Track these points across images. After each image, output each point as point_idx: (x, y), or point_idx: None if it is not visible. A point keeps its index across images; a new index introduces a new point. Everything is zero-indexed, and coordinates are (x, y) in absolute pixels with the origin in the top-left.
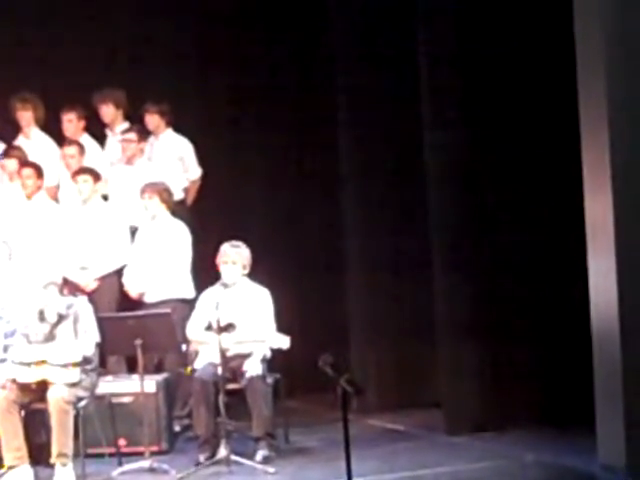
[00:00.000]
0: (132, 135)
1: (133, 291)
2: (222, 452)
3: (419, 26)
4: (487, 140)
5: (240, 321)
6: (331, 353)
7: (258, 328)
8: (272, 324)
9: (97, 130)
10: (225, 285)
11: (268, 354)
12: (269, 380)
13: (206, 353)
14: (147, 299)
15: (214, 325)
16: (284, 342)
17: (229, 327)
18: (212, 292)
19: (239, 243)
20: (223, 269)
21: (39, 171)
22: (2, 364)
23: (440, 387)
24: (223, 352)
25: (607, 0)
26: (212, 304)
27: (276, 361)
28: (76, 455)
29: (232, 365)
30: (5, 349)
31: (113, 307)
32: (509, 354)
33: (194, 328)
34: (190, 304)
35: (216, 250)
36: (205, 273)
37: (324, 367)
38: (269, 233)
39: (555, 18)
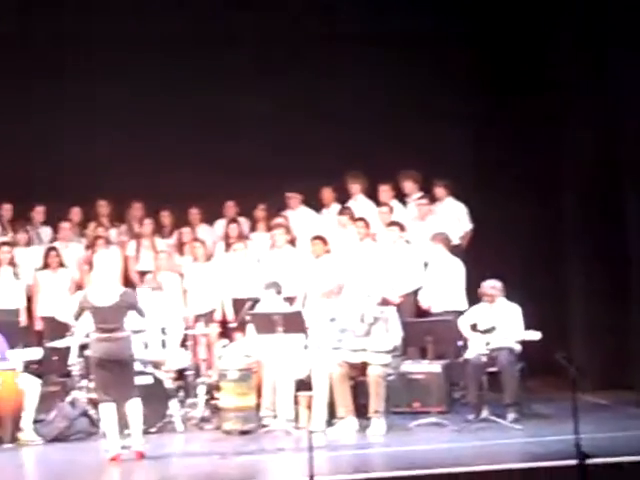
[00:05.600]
0: (424, 201)
1: (424, 304)
2: (484, 413)
3: None
4: None
5: (499, 326)
6: (564, 349)
7: (511, 330)
8: (521, 327)
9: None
10: (490, 304)
11: (518, 348)
12: (517, 366)
13: (475, 345)
14: (434, 310)
15: (479, 327)
16: (536, 335)
17: (491, 329)
18: (478, 308)
19: (495, 282)
20: (485, 300)
21: (367, 223)
22: (339, 350)
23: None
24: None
25: None
26: (479, 315)
27: (522, 354)
28: (386, 412)
29: (492, 355)
30: (340, 341)
31: (412, 314)
32: None
33: (463, 323)
34: (462, 314)
35: (482, 278)
36: (474, 294)
37: (560, 359)
38: (519, 269)
39: None
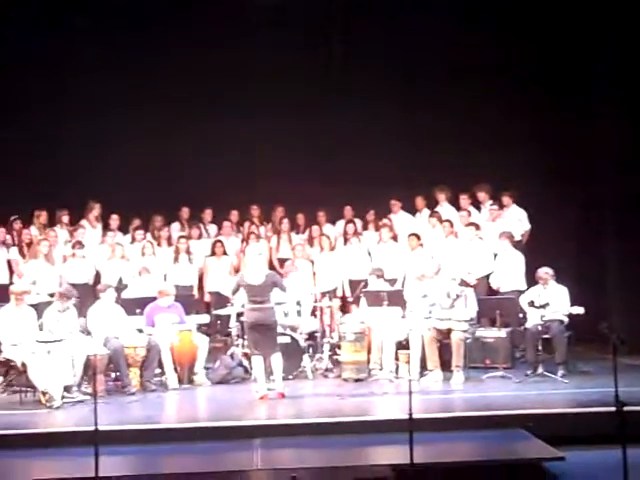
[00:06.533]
0: (495, 207)
1: (494, 285)
2: (540, 370)
3: None
4: None
5: (551, 302)
6: (606, 322)
7: (560, 306)
8: (568, 304)
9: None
10: (543, 286)
11: (566, 320)
12: (565, 334)
13: (532, 317)
14: (502, 290)
15: (535, 304)
16: (580, 310)
17: (545, 305)
18: (535, 289)
19: (547, 269)
20: (540, 282)
21: (451, 224)
22: (429, 319)
23: None
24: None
25: None
26: (535, 294)
27: (570, 325)
28: (464, 366)
29: (546, 325)
30: (430, 312)
31: (484, 293)
32: None
33: (523, 300)
34: (523, 293)
35: (538, 265)
36: (531, 278)
37: (603, 329)
38: (567, 259)
39: None
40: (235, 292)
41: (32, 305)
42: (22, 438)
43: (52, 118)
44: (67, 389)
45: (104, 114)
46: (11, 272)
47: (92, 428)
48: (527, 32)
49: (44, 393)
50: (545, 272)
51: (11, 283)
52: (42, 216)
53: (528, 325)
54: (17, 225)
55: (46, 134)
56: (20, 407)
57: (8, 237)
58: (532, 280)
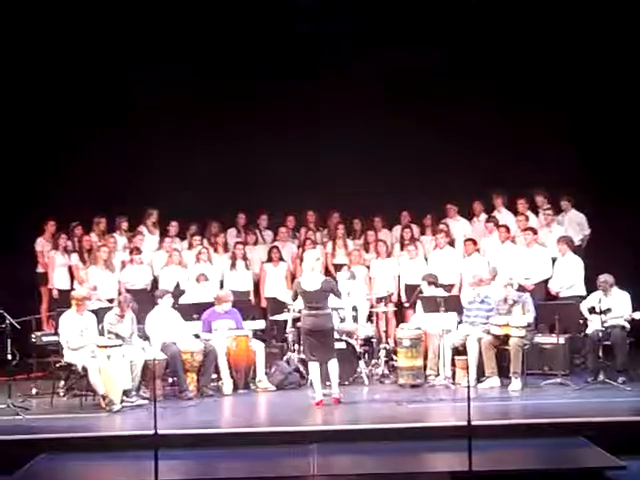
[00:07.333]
0: (549, 212)
1: (553, 290)
2: (600, 377)
3: None
4: None
5: (612, 308)
6: None
7: (622, 312)
8: (629, 309)
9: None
10: (604, 292)
11: (628, 326)
12: (627, 341)
13: (593, 323)
14: (561, 294)
15: (596, 309)
16: None
17: (606, 311)
18: (596, 294)
19: (608, 275)
20: (600, 288)
21: (507, 229)
22: (486, 325)
23: None
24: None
25: None
26: (596, 300)
27: (631, 331)
28: (522, 373)
29: (607, 331)
30: (487, 317)
31: (542, 298)
32: None
33: (584, 306)
34: (582, 299)
35: (599, 271)
36: (592, 283)
37: None
38: (628, 264)
39: None
40: (295, 298)
41: (92, 310)
42: (82, 441)
43: (110, 127)
44: (126, 393)
45: (162, 123)
46: (72, 278)
47: (151, 432)
48: (597, 37)
49: (104, 397)
50: (605, 279)
51: (72, 289)
52: (102, 223)
53: (589, 331)
54: (78, 231)
55: (105, 143)
56: (80, 411)
57: (69, 243)
58: (592, 285)
